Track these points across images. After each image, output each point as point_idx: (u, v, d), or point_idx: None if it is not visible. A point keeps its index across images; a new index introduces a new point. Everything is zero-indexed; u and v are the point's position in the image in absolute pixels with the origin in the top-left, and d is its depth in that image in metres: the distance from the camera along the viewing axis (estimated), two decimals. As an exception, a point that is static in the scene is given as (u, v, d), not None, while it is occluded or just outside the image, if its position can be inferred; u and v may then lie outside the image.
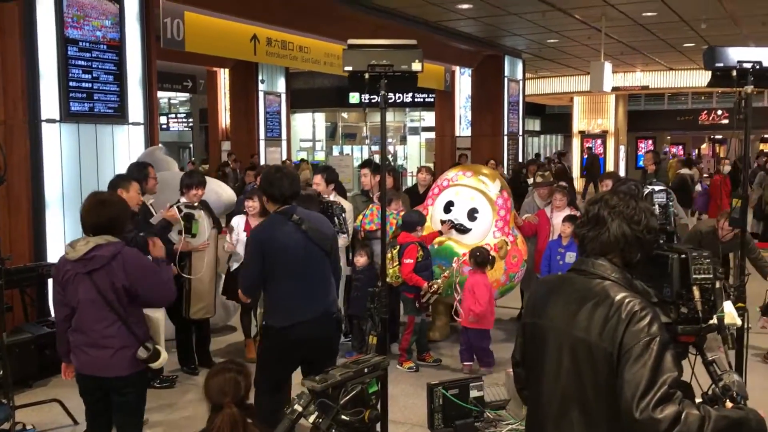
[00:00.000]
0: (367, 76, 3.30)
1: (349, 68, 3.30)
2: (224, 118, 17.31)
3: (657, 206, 2.70)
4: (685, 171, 12.80)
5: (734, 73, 3.30)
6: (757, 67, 3.29)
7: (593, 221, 2.11)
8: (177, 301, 4.97)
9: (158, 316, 3.61)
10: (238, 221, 6.08)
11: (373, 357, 2.20)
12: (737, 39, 15.01)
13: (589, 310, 2.00)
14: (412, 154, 25.69)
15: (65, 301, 3.36)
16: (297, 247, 3.63)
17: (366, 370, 2.12)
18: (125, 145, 7.23)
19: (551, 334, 2.09)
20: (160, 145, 7.51)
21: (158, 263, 3.56)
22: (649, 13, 12.21)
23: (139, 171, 5.58)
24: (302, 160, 20.24)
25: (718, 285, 2.46)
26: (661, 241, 2.59)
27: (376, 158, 18.31)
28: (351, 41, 3.36)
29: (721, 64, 3.30)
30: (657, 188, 2.84)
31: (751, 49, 3.35)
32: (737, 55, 3.31)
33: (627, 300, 1.96)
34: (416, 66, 3.29)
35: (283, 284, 3.65)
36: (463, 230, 6.32)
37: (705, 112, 28.22)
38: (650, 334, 1.89)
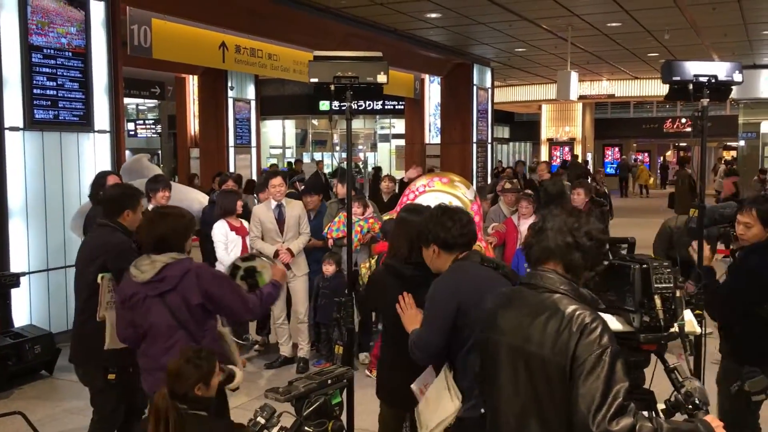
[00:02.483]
0: (333, 87, 3.32)
1: (315, 80, 3.32)
2: (193, 125, 17.15)
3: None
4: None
5: (690, 86, 3.38)
6: (713, 80, 3.37)
7: (538, 232, 2.18)
8: None
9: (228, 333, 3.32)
10: (221, 227, 6.09)
11: (337, 368, 2.21)
12: (699, 49, 15.35)
13: (542, 324, 2.03)
14: (382, 161, 25.75)
15: (134, 324, 3.13)
16: None
17: (330, 381, 2.13)
18: (91, 153, 7.15)
19: (504, 348, 2.12)
20: (146, 153, 7.42)
21: (274, 285, 3.34)
22: (613, 24, 12.43)
23: (99, 179, 5.52)
24: (272, 165, 20.28)
25: (678, 294, 2.51)
26: (624, 252, 2.64)
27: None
28: (317, 53, 3.39)
29: (678, 78, 3.38)
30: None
31: (707, 63, 3.45)
32: (694, 69, 3.40)
33: (577, 312, 1.99)
34: (381, 78, 3.33)
35: None
36: None
37: (669, 120, 28.80)
38: (602, 345, 1.92)
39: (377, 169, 18.66)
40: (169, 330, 3.03)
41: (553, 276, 2.10)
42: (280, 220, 6.00)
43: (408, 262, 3.08)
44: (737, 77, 3.42)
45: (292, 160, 24.25)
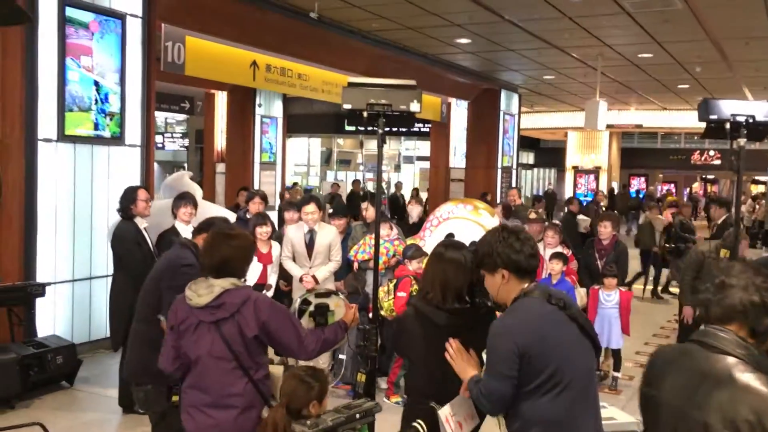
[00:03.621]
0: (365, 114, 3.33)
1: (348, 106, 3.33)
2: (220, 141, 17.32)
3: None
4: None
5: (728, 125, 3.34)
6: (751, 120, 3.33)
7: (719, 288, 2.00)
8: None
9: (277, 372, 3.09)
10: None
11: (365, 402, 2.19)
12: (731, 82, 15.23)
13: (709, 390, 1.86)
14: (406, 183, 25.76)
15: (180, 352, 2.94)
16: (572, 346, 2.50)
17: (358, 415, 2.11)
18: (121, 166, 7.24)
19: (665, 409, 1.98)
20: (188, 171, 7.47)
21: (339, 327, 3.13)
22: (645, 55, 12.38)
23: (129, 194, 5.58)
24: (294, 183, 20.39)
25: None
26: None
27: (371, 186, 18.34)
28: (351, 79, 3.40)
29: (715, 117, 3.34)
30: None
31: (745, 103, 3.41)
32: (731, 108, 3.36)
33: (752, 385, 1.82)
34: (414, 106, 3.32)
35: (557, 401, 2.45)
36: None
37: (697, 152, 28.52)
38: None
39: (397, 189, 18.68)
40: (221, 361, 2.83)
41: (729, 336, 1.92)
42: (310, 245, 6.02)
43: (441, 308, 2.81)
44: (775, 118, 3.37)
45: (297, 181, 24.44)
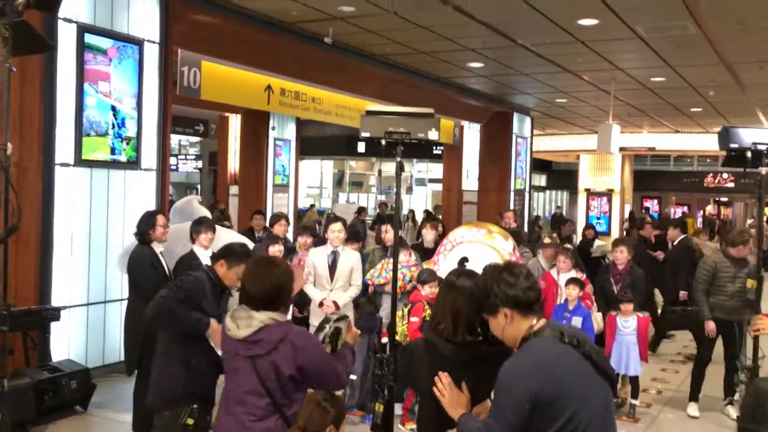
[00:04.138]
0: (384, 142, 3.33)
1: (367, 134, 3.34)
2: (234, 163, 17.42)
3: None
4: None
5: (749, 154, 3.31)
6: (772, 149, 3.30)
7: None
8: None
9: None
10: None
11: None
12: (744, 106, 15.19)
13: None
14: (418, 205, 25.77)
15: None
16: (588, 386, 2.36)
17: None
18: (137, 190, 7.28)
19: None
20: (197, 196, 7.56)
21: (352, 352, 3.11)
22: (658, 78, 12.37)
23: (148, 218, 5.61)
24: (312, 205, 20.59)
25: None
26: None
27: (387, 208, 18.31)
28: (369, 107, 3.41)
29: (736, 145, 3.32)
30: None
31: (765, 131, 3.38)
32: (752, 136, 3.33)
33: None
34: (432, 134, 3.33)
35: None
36: None
37: (711, 174, 28.37)
38: None
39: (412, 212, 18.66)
40: (253, 396, 2.80)
41: None
42: (333, 267, 5.99)
43: (451, 341, 2.71)
44: (797, 146, 3.34)
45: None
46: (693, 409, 6.49)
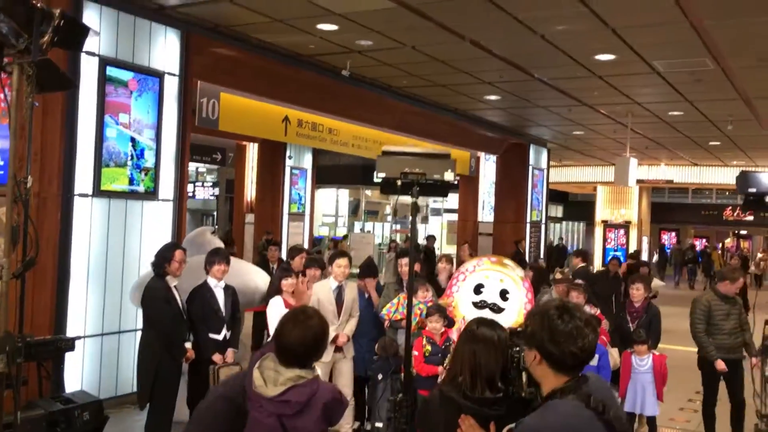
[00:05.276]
0: (399, 182, 3.34)
1: (383, 175, 3.34)
2: (250, 191, 17.55)
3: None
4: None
5: (767, 198, 3.28)
6: (791, 194, 3.27)
7: None
8: None
9: None
10: (277, 304, 6.04)
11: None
12: (763, 139, 15.08)
13: None
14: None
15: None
16: None
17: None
18: (154, 220, 7.33)
19: None
20: (209, 227, 7.60)
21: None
22: (675, 113, 12.35)
23: (167, 251, 5.63)
24: (345, 236, 20.67)
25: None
26: None
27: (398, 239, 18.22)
28: (385, 148, 3.42)
29: (754, 190, 3.29)
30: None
31: (785, 176, 3.35)
32: (770, 181, 3.30)
33: None
34: (448, 175, 3.33)
35: None
36: (497, 310, 6.26)
37: (730, 207, 28.13)
38: None
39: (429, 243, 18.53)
40: None
41: None
42: (339, 302, 5.99)
43: (469, 396, 2.55)
44: (817, 191, 3.31)
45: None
46: None
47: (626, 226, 24.12)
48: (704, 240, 33.76)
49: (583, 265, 10.23)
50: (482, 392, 2.54)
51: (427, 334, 5.72)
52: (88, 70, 6.63)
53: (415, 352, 5.66)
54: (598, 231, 24.64)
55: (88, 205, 6.70)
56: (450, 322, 5.58)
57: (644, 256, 23.84)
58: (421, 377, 5.71)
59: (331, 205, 27.63)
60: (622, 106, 11.92)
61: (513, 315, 6.22)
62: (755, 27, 7.21)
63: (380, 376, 5.98)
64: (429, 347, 5.67)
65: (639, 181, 19.43)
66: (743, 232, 32.65)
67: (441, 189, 3.41)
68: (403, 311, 5.95)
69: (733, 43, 7.88)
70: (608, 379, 6.19)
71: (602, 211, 24.58)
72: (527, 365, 2.31)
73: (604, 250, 23.35)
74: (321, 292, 6.05)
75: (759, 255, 25.71)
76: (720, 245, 33.58)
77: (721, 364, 6.32)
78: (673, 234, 30.14)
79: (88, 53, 6.60)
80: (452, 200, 23.11)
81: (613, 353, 6.52)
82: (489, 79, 10.35)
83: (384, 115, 11.58)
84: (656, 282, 10.87)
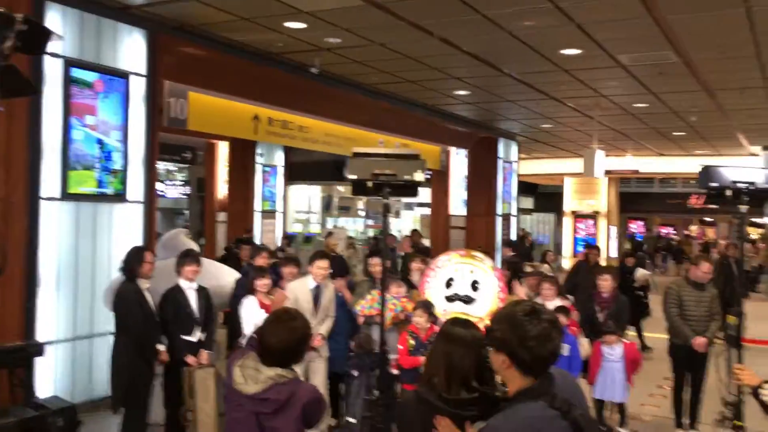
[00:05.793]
0: (371, 184, 3.36)
1: (354, 176, 3.37)
2: (221, 189, 17.44)
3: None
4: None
5: (729, 192, 3.37)
6: (751, 187, 3.37)
7: None
8: None
9: None
10: (250, 304, 6.04)
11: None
12: (726, 130, 15.39)
13: None
14: (405, 230, 25.78)
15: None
16: None
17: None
18: (123, 223, 7.26)
19: None
20: (184, 229, 7.54)
21: None
22: (640, 105, 12.54)
23: (136, 254, 5.59)
24: (330, 233, 20.63)
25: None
26: None
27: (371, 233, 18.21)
28: (355, 149, 3.45)
29: (716, 184, 3.38)
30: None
31: (745, 170, 3.45)
32: (732, 175, 3.40)
33: None
34: (418, 176, 3.37)
35: None
36: (469, 300, 6.36)
37: (695, 195, 28.64)
38: None
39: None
40: None
41: None
42: (317, 302, 6.01)
43: (443, 398, 2.53)
44: (775, 184, 3.41)
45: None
46: None
47: (595, 216, 24.44)
48: (671, 228, 34.43)
49: (511, 254, 10.65)
50: (457, 393, 2.52)
51: (412, 329, 5.79)
52: (53, 71, 6.53)
53: (399, 346, 5.74)
54: (568, 221, 24.94)
55: (56, 209, 6.61)
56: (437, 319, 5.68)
57: (613, 245, 24.25)
58: (405, 371, 5.78)
59: (303, 202, 27.54)
60: (588, 99, 12.07)
61: (487, 303, 6.34)
62: (716, 20, 7.36)
63: (356, 373, 6.02)
64: (413, 342, 5.74)
65: (607, 172, 19.70)
66: (708, 219, 33.27)
67: (412, 189, 3.45)
68: (378, 307, 6.01)
69: (696, 37, 8.03)
70: (579, 368, 6.32)
71: (571, 202, 24.86)
72: (495, 368, 2.31)
73: (574, 240, 23.65)
74: (299, 290, 6.06)
75: (721, 242, 26.20)
76: (686, 232, 34.23)
77: (699, 340, 6.44)
78: (641, 223, 30.60)
79: (52, 55, 6.50)
80: (424, 194, 23.19)
81: (584, 343, 6.64)
82: (458, 75, 10.42)
83: (354, 111, 11.59)
84: (642, 272, 10.93)
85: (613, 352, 6.50)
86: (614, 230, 25.26)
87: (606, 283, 7.02)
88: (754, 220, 29.61)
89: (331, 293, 6.17)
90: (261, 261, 7.60)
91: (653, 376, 8.45)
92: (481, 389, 2.47)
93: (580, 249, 20.89)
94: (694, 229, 35.36)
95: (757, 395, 3.19)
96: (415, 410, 2.63)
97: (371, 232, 23.72)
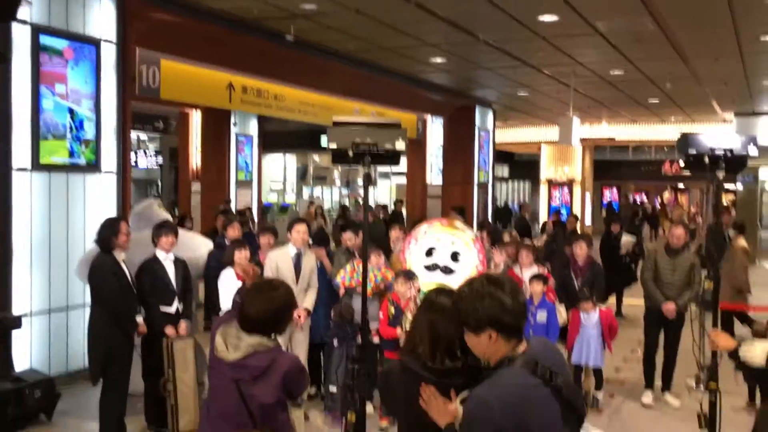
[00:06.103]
0: (351, 153, 3.33)
1: (334, 146, 3.33)
2: (195, 159, 17.22)
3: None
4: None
5: (707, 159, 3.40)
6: (729, 154, 3.39)
7: None
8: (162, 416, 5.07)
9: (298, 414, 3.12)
10: (229, 276, 5.97)
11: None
12: (700, 97, 15.54)
13: None
14: (382, 199, 25.79)
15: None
16: (555, 425, 2.27)
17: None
18: (97, 194, 7.15)
19: None
20: (157, 199, 7.42)
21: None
22: (616, 72, 12.58)
23: (110, 225, 5.50)
24: (311, 203, 20.52)
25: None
26: None
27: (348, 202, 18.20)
28: (336, 118, 3.40)
29: (694, 151, 3.41)
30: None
31: (724, 137, 3.48)
32: (710, 142, 3.42)
33: None
34: (399, 144, 3.34)
35: None
36: (448, 271, 6.41)
37: (668, 162, 28.99)
38: None
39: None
40: (235, 415, 2.79)
41: None
42: (297, 268, 6.00)
43: (428, 368, 2.51)
44: (752, 151, 3.45)
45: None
46: (647, 397, 6.72)
47: (570, 183, 24.66)
48: (644, 194, 34.90)
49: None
50: (442, 362, 2.52)
51: (393, 297, 5.82)
52: (21, 39, 6.35)
53: (380, 315, 5.77)
54: (543, 189, 25.13)
55: (27, 180, 6.48)
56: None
57: (588, 212, 24.51)
58: (385, 339, 5.83)
59: (278, 172, 27.37)
60: (565, 67, 12.07)
61: (466, 276, 6.38)
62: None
63: (336, 342, 6.04)
64: (393, 309, 5.77)
65: (582, 140, 19.82)
66: (681, 186, 33.74)
67: (393, 158, 3.42)
68: (358, 278, 6.02)
69: (672, 4, 8.04)
70: (557, 334, 6.41)
71: (547, 170, 25.03)
72: (480, 353, 2.32)
73: (549, 207, 23.86)
74: (280, 259, 6.04)
75: (692, 210, 26.67)
76: (659, 199, 34.72)
77: (670, 305, 6.53)
78: (615, 190, 30.96)
79: (20, 21, 6.30)
80: (401, 164, 23.16)
81: (561, 310, 6.73)
82: (434, 42, 10.34)
83: (330, 80, 11.47)
84: (627, 238, 10.96)
85: (590, 318, 6.59)
86: (588, 197, 25.53)
87: (581, 251, 7.09)
88: (726, 187, 30.11)
89: (312, 261, 6.14)
90: (232, 232, 7.53)
91: (629, 341, 8.61)
92: (466, 358, 2.48)
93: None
94: (666, 195, 35.88)
95: (737, 356, 3.24)
96: (398, 379, 2.63)
97: (347, 202, 23.71)
